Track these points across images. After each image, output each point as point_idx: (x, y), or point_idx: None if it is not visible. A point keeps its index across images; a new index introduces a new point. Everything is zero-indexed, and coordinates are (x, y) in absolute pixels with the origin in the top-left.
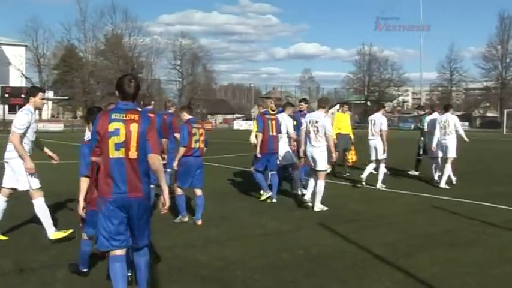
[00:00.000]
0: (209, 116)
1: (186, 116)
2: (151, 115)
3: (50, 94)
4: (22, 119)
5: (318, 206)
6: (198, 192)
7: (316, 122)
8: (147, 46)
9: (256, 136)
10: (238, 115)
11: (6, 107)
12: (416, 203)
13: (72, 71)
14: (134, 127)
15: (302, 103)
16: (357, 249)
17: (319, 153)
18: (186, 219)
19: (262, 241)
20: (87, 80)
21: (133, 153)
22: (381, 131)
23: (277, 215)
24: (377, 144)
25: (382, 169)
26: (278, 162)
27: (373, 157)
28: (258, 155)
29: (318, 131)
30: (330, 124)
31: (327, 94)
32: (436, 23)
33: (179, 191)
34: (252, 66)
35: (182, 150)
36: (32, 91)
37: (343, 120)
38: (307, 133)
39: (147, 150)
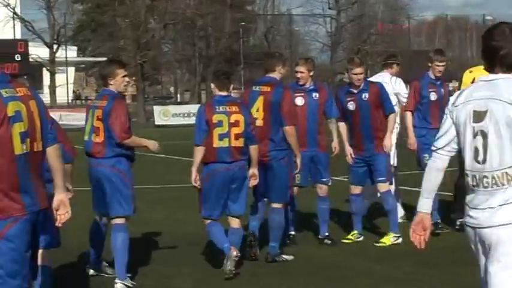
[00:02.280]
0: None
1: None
2: (284, 89)
3: (71, 53)
4: None
5: None
6: (234, 224)
7: None
8: None
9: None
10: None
11: None
12: None
13: (113, 4)
14: (33, 105)
15: None
16: None
17: None
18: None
19: None
20: (143, 21)
21: (38, 145)
22: None
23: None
24: None
25: None
26: None
27: None
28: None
29: None
30: None
31: None
32: None
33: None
34: None
35: (197, 150)
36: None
37: None
38: None
39: (49, 138)
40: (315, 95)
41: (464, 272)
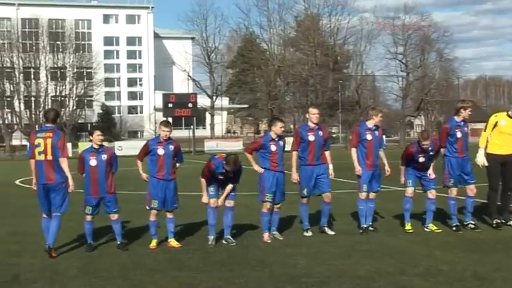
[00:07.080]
0: None
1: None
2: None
3: (224, 102)
4: None
5: None
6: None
7: None
8: (355, 29)
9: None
10: None
11: (170, 120)
12: None
13: (253, 68)
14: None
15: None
16: None
17: None
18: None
19: None
20: (273, 80)
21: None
22: None
23: None
24: None
25: None
26: None
27: None
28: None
29: None
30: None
31: None
32: None
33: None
34: None
35: None
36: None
37: None
38: None
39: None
40: None
41: (500, 257)
